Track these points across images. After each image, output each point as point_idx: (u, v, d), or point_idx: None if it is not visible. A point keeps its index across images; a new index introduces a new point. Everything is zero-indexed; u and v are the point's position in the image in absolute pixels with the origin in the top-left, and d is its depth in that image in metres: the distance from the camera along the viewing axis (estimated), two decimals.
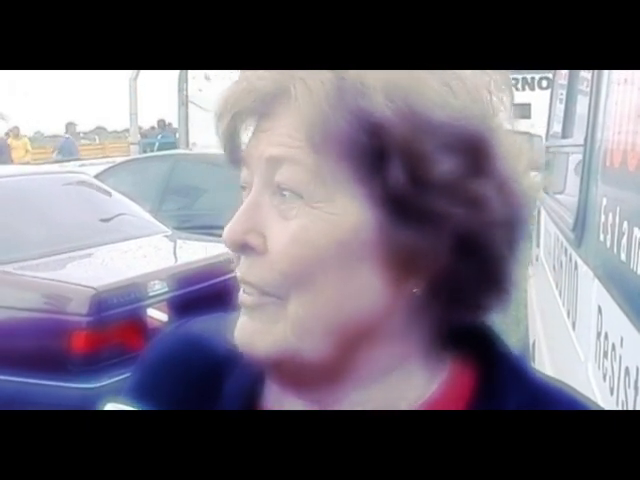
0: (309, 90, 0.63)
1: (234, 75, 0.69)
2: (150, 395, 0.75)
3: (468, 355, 0.72)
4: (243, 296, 0.68)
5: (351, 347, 0.66)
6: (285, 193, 0.65)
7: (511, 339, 5.59)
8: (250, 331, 0.67)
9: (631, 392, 1.36)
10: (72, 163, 15.69)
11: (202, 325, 0.81)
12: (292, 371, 0.68)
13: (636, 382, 1.34)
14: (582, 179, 2.15)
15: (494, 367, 0.70)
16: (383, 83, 0.62)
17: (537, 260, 4.16)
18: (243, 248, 0.67)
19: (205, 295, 3.89)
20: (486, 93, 0.65)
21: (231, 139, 0.69)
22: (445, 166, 0.63)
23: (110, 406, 0.72)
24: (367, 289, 0.65)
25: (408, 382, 0.69)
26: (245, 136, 0.68)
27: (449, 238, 0.64)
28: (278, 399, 0.72)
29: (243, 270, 0.68)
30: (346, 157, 0.63)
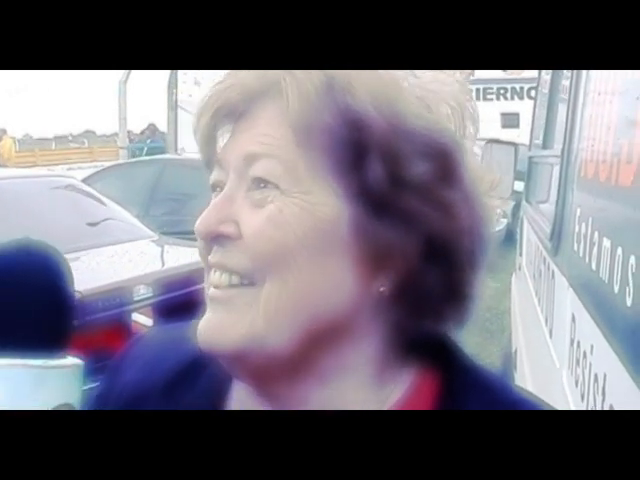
0: (298, 83, 0.66)
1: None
2: (113, 399, 0.76)
3: (430, 367, 0.72)
4: (213, 291, 0.68)
5: (316, 340, 0.67)
6: (261, 185, 0.66)
7: (495, 347, 5.62)
8: (216, 325, 0.67)
9: (599, 398, 1.39)
10: (60, 167, 15.63)
11: (170, 332, 0.82)
12: (255, 366, 0.68)
13: (604, 388, 1.37)
14: (559, 189, 2.18)
15: (456, 379, 0.71)
16: (369, 86, 0.66)
17: (520, 269, 4.20)
18: (217, 238, 0.68)
19: (191, 300, 3.88)
20: (459, 119, 0.69)
21: (209, 139, 0.70)
22: (420, 168, 0.66)
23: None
24: (337, 280, 0.67)
25: (368, 389, 0.70)
26: (222, 140, 0.70)
27: (419, 239, 0.67)
28: (242, 404, 0.73)
29: (218, 256, 0.68)
30: (328, 151, 0.66)
